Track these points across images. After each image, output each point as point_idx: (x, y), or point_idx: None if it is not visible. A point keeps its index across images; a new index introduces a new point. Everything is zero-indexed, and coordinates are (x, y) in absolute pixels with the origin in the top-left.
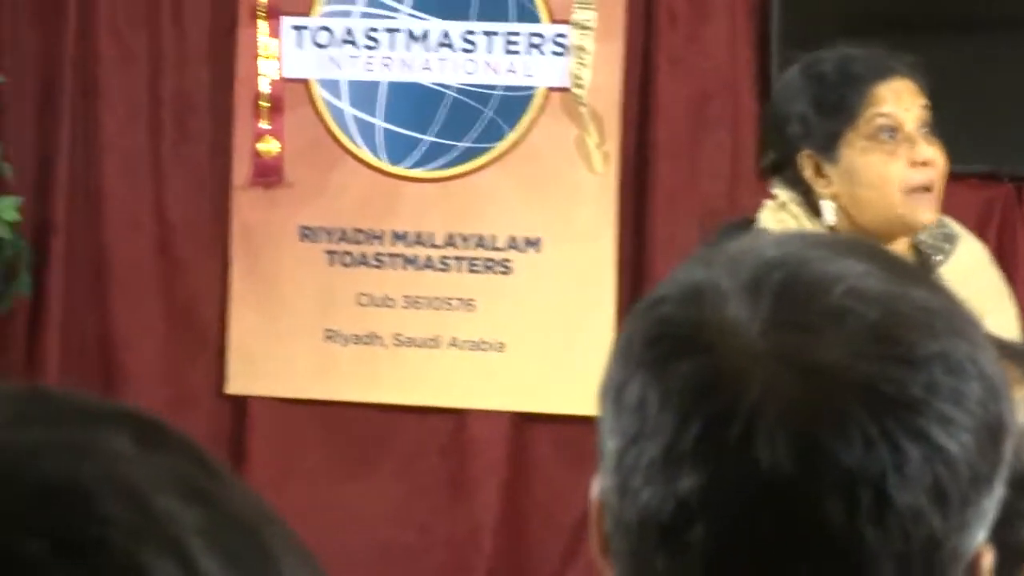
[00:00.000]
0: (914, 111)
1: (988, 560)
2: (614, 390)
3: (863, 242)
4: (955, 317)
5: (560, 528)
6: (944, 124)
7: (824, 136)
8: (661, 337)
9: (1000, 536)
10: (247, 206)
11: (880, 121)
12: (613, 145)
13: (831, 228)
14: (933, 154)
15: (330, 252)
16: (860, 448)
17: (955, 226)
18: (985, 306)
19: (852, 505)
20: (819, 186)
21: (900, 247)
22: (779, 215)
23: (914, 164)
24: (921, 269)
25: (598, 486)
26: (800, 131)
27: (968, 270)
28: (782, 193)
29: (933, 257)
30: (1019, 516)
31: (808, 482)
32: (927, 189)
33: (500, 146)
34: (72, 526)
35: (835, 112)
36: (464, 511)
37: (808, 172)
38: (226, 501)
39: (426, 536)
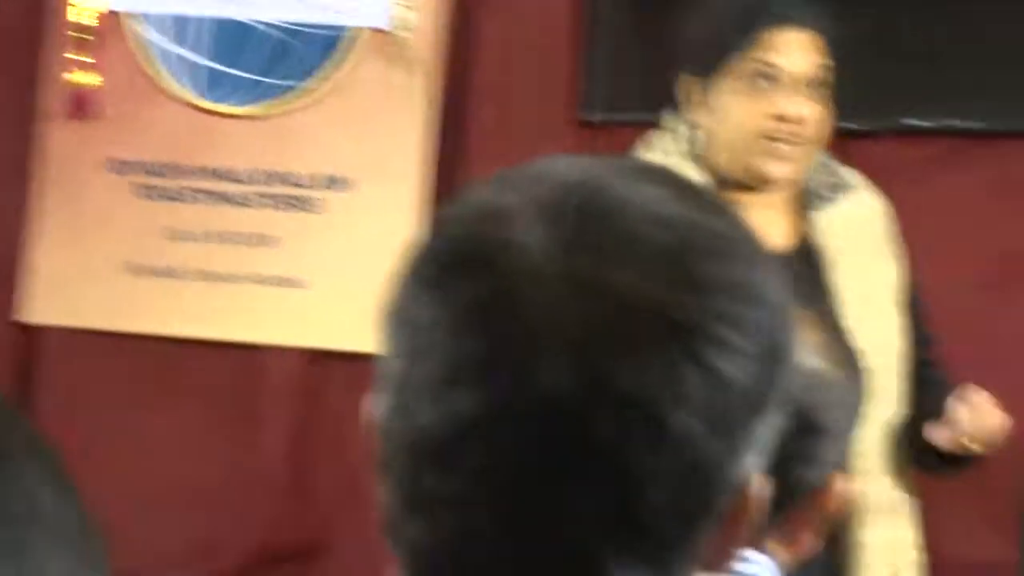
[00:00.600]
0: (802, 65)
1: (761, 487)
2: (397, 308)
3: (664, 169)
4: (747, 245)
5: (348, 466)
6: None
7: (703, 66)
8: (447, 255)
9: (778, 473)
10: (56, 138)
11: (757, 67)
12: (431, 87)
13: (699, 157)
14: (806, 111)
15: (137, 185)
16: (636, 371)
17: (853, 178)
18: (863, 259)
19: (626, 426)
20: (693, 113)
21: (775, 203)
22: (660, 141)
23: (779, 118)
24: (720, 199)
25: (371, 409)
26: (686, 53)
27: (850, 221)
28: (669, 120)
29: (814, 201)
30: (799, 457)
31: (584, 403)
32: (788, 144)
33: (316, 85)
34: None
35: (720, 45)
36: (255, 447)
37: (683, 95)
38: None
39: (216, 470)
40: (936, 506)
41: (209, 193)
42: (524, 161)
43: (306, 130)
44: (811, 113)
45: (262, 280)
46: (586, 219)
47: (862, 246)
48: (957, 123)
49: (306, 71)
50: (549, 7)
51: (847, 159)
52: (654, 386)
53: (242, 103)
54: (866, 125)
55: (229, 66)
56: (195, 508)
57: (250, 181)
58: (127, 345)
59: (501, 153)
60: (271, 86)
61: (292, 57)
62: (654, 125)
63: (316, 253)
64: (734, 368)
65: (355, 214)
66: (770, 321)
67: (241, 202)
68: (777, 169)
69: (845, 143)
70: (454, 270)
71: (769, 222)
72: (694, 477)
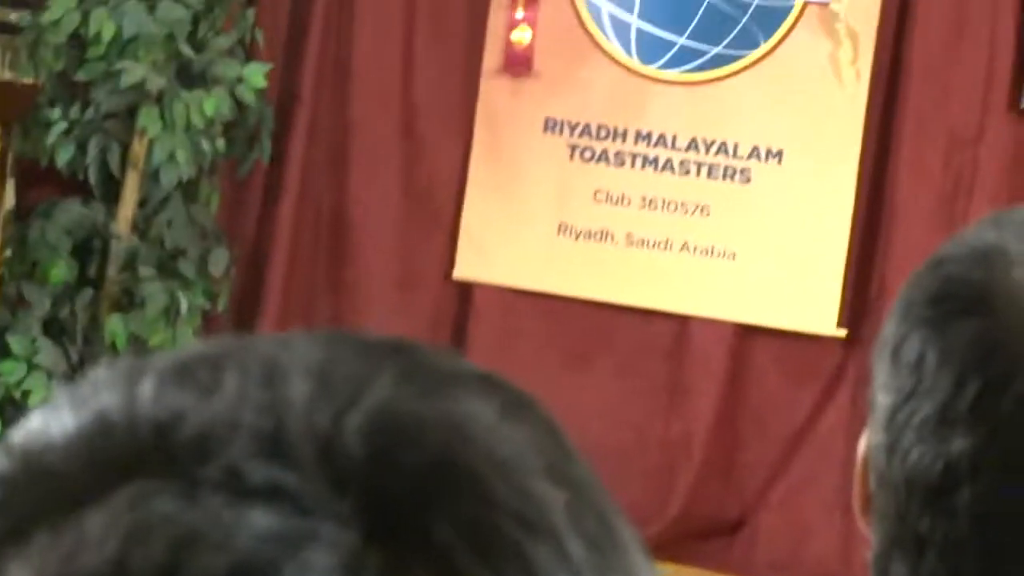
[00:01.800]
0: None
1: None
2: (891, 346)
3: None
4: None
5: (771, 442)
6: None
7: None
8: (945, 296)
9: None
10: (494, 94)
11: None
12: (866, 63)
13: None
14: None
15: (572, 146)
16: None
17: None
18: None
19: None
20: None
21: None
22: None
23: None
24: None
25: (864, 443)
26: None
27: None
28: None
29: None
30: None
31: None
32: None
33: (752, 55)
34: (470, 511)
35: None
36: (678, 417)
37: None
38: (583, 484)
39: (638, 437)
40: None
41: (642, 157)
42: (958, 144)
43: (742, 100)
44: None
45: (692, 249)
46: None
47: None
48: None
49: (749, 42)
50: None
51: None
52: None
53: (676, 67)
54: None
55: (667, 30)
56: (614, 474)
57: (684, 148)
58: (556, 307)
59: (936, 135)
60: (705, 53)
61: (733, 26)
62: None
63: (746, 225)
64: None
65: (786, 187)
66: None
67: (674, 169)
68: None
69: None
70: (952, 310)
71: None
72: None
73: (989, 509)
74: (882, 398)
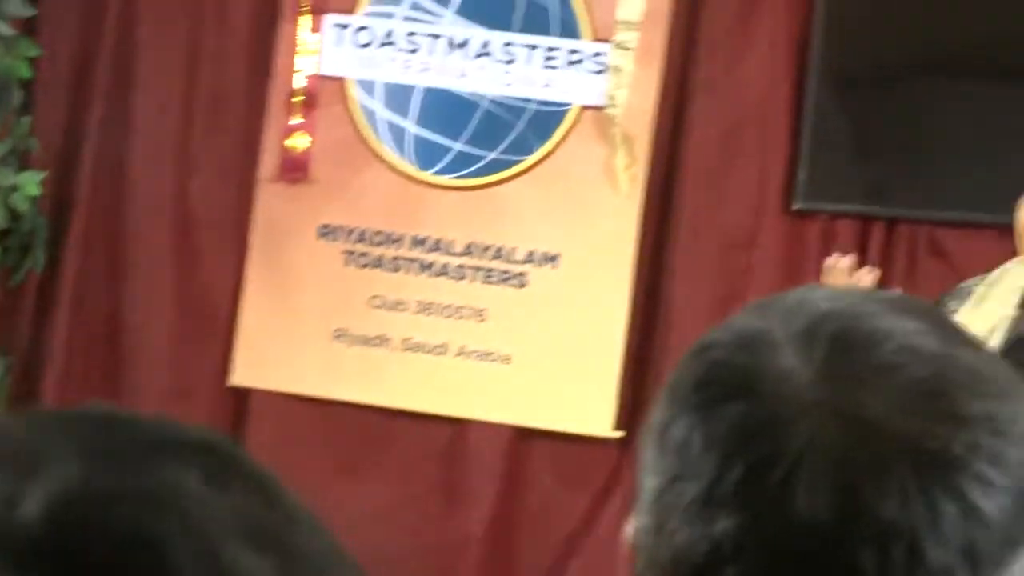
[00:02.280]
0: None
1: None
2: (658, 430)
3: (917, 301)
4: (1002, 381)
5: (549, 545)
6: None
7: None
8: (711, 381)
9: None
10: (271, 200)
11: None
12: (641, 168)
13: None
14: None
15: (348, 252)
16: (897, 502)
17: None
18: None
19: (885, 558)
20: None
21: None
22: None
23: None
24: (969, 333)
25: (632, 526)
26: None
27: None
28: None
29: None
30: None
31: (844, 532)
32: None
33: (528, 160)
34: None
35: None
36: (456, 520)
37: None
38: (296, 545)
39: (416, 542)
40: None
41: (418, 262)
42: (733, 247)
43: (518, 205)
44: None
45: (468, 353)
46: (843, 349)
47: None
48: None
49: (525, 147)
50: (768, 95)
51: None
52: (915, 518)
53: (453, 173)
54: None
55: (443, 136)
56: None
57: (460, 253)
58: (332, 412)
59: (711, 237)
60: (482, 158)
61: (508, 131)
62: (866, 216)
63: (522, 329)
64: (991, 504)
65: (562, 291)
66: (1021, 456)
67: (450, 273)
68: None
69: None
70: (718, 394)
71: None
72: None
73: None
74: (649, 481)
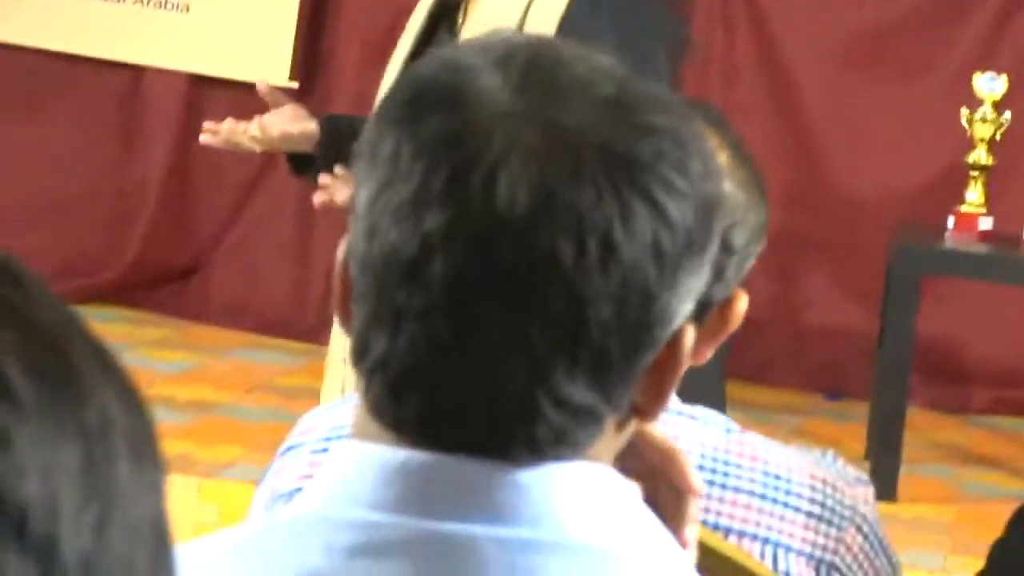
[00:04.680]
0: None
1: (690, 336)
2: (370, 146)
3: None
4: (679, 105)
5: (226, 190)
6: None
7: None
8: (418, 97)
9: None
10: None
11: None
12: None
13: None
14: None
15: None
16: (592, 197)
17: None
18: None
19: (580, 248)
20: None
21: None
22: None
23: None
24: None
25: (344, 244)
26: None
27: None
28: None
29: None
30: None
31: (542, 224)
32: None
33: None
34: None
35: None
36: (134, 165)
37: None
38: (35, 319)
39: (93, 186)
40: (797, 274)
41: None
42: None
43: None
44: None
45: (145, 2)
46: (538, 69)
47: None
48: None
49: None
50: None
51: None
52: (609, 213)
53: None
54: None
55: None
56: (69, 222)
57: None
58: (7, 56)
59: None
60: None
61: None
62: None
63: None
64: (677, 209)
65: None
66: (705, 172)
67: None
68: None
69: None
70: (424, 108)
71: None
72: (638, 304)
73: (459, 276)
74: (362, 193)
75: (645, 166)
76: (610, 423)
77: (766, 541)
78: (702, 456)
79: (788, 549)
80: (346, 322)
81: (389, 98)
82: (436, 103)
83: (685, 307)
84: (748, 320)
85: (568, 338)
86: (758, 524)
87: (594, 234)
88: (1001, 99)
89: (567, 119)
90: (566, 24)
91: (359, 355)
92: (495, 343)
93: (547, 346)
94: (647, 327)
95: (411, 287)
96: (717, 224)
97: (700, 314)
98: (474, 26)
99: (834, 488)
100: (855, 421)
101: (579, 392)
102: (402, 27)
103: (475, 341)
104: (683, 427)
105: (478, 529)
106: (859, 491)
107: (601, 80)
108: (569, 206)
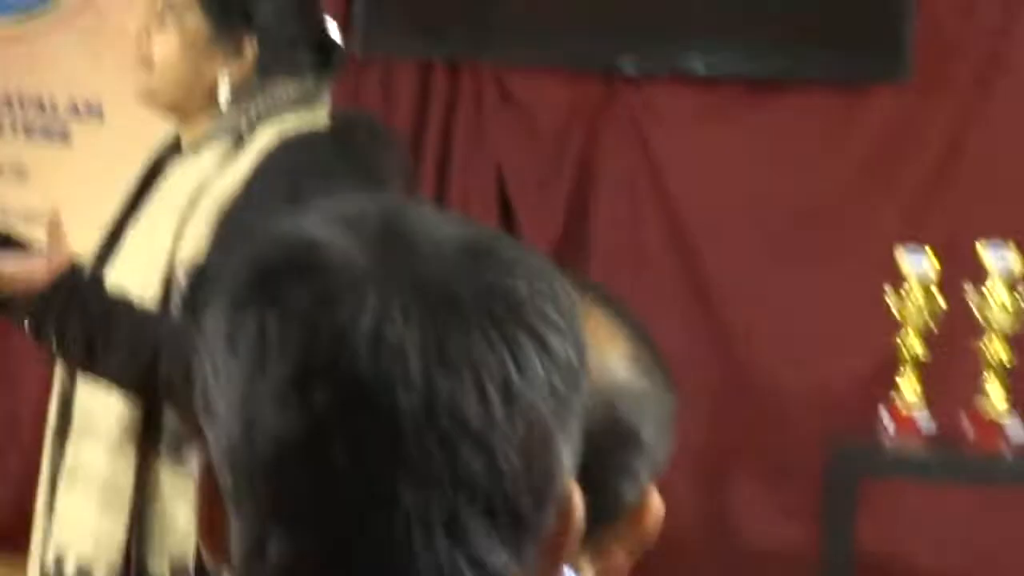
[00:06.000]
0: None
1: (578, 499)
2: (223, 339)
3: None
4: (527, 246)
5: None
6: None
7: None
8: (268, 273)
9: (597, 487)
10: None
11: None
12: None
13: None
14: (137, 29)
15: None
16: (482, 343)
17: (263, 135)
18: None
19: (483, 398)
20: None
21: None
22: None
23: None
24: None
25: (201, 462)
26: None
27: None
28: None
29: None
30: (617, 471)
31: (440, 379)
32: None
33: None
34: None
35: None
36: None
37: None
38: None
39: None
40: (725, 486)
41: None
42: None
43: (56, 51)
44: (154, 34)
45: (10, 216)
46: (389, 225)
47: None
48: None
49: None
50: None
51: (610, 100)
52: (501, 356)
53: None
54: (635, 65)
55: None
56: None
57: None
58: None
59: None
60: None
61: None
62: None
63: (68, 187)
64: (560, 345)
65: (108, 144)
66: (571, 304)
67: None
68: (135, 87)
69: (611, 82)
70: (279, 282)
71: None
72: (541, 450)
73: (363, 450)
74: (226, 397)
75: (523, 301)
76: None
77: None
78: None
79: None
80: (216, 545)
81: (224, 286)
82: (293, 274)
83: (571, 458)
84: (672, 540)
85: (483, 495)
86: None
87: (492, 381)
88: (936, 280)
89: (432, 270)
90: (252, 185)
91: (250, 564)
92: (414, 515)
93: (466, 507)
94: (550, 475)
95: (311, 472)
96: (586, 362)
97: (612, 515)
98: (162, 191)
99: None
100: None
101: (495, 552)
102: None
103: (393, 516)
104: None
105: None
106: None
107: (457, 229)
108: (463, 355)
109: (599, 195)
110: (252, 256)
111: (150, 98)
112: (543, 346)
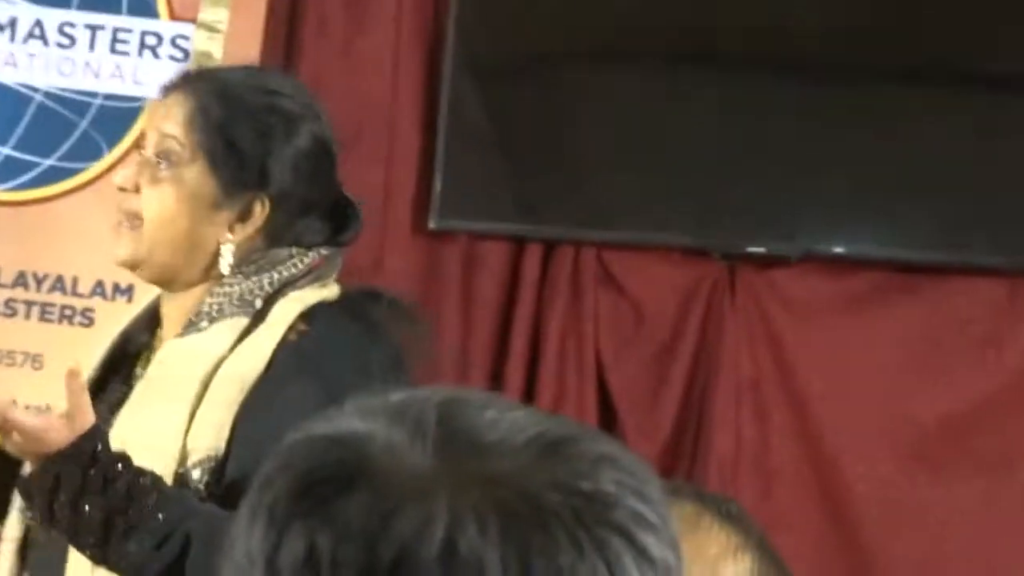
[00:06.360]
0: (153, 135)
1: None
2: (262, 566)
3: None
4: (592, 427)
5: None
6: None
7: None
8: (312, 485)
9: None
10: None
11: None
12: None
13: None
14: (121, 182)
15: None
16: (571, 551)
17: (282, 313)
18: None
19: None
20: None
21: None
22: None
23: (120, 189)
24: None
25: None
26: None
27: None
28: None
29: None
30: None
31: None
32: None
33: (95, 167)
34: None
35: None
36: None
37: None
38: None
39: None
40: None
41: None
42: (357, 272)
43: (79, 223)
44: (139, 188)
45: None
46: (445, 417)
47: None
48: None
49: (88, 151)
50: (394, 89)
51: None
52: (593, 565)
53: (1, 186)
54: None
55: None
56: None
57: (9, 284)
58: None
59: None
60: (36, 165)
61: (68, 131)
62: (518, 237)
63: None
64: (656, 545)
65: None
66: (661, 498)
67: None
68: (116, 251)
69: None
70: (330, 492)
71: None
72: None
73: None
74: None
75: (610, 499)
76: None
77: None
78: None
79: None
80: None
81: (258, 497)
82: (343, 481)
83: None
84: None
85: None
86: None
87: None
88: None
89: (502, 468)
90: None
91: None
92: None
93: None
94: None
95: None
96: (683, 565)
97: None
98: (158, 371)
99: None
100: None
101: None
102: None
103: None
104: None
105: None
106: None
107: (523, 423)
108: (549, 566)
109: (716, 396)
110: (290, 460)
111: (134, 261)
112: (636, 549)
